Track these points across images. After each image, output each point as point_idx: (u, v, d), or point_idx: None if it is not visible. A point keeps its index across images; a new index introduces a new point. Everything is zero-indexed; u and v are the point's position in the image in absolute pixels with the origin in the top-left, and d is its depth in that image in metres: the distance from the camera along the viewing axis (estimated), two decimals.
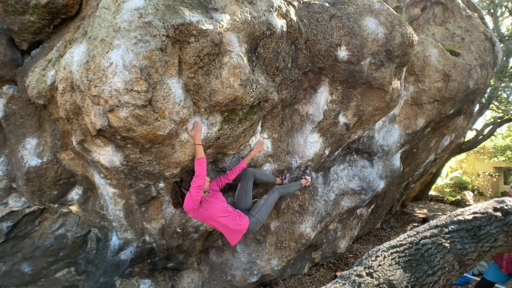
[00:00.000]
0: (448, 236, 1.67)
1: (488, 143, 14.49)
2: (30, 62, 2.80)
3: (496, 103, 9.56)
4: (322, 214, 4.15)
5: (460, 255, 1.63)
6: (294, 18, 2.84)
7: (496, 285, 3.18)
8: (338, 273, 4.58)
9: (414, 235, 1.71)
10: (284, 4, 2.76)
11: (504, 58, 8.18)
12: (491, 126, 9.85)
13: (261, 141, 3.14)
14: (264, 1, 2.57)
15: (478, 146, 10.99)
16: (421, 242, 1.63)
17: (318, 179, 4.17)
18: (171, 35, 2.03)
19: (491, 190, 14.62)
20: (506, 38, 8.36)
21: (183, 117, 2.28)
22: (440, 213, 8.35)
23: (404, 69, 3.75)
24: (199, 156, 2.46)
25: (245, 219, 2.77)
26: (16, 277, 3.11)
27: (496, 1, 8.74)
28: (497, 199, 1.93)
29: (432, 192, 12.02)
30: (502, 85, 8.54)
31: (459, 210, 1.90)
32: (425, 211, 8.90)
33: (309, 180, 3.44)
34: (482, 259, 1.76)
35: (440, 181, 14.44)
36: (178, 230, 3.26)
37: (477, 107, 8.24)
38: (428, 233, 1.69)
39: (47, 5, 2.57)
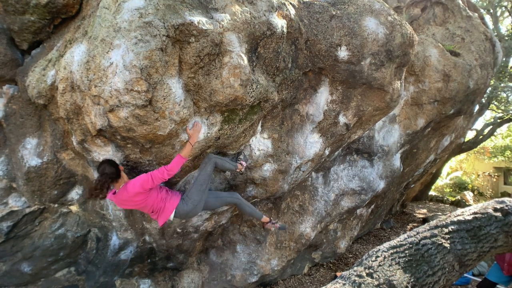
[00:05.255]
0: (448, 236, 1.67)
1: (488, 143, 14.49)
2: (30, 62, 2.79)
3: (496, 103, 9.57)
4: (322, 214, 4.16)
5: (460, 255, 1.63)
6: (295, 18, 2.84)
7: (498, 286, 3.17)
8: (338, 273, 4.58)
9: (414, 235, 1.71)
10: (285, 4, 2.76)
11: (504, 58, 8.18)
12: (491, 126, 9.86)
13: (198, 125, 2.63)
14: (264, 1, 2.57)
15: (478, 146, 11.00)
16: (421, 242, 1.64)
17: (318, 179, 4.17)
18: (172, 35, 2.03)
19: (491, 190, 14.63)
20: (506, 38, 8.35)
21: (183, 117, 2.28)
22: (440, 213, 8.35)
23: (404, 69, 3.75)
24: (184, 155, 2.39)
25: (177, 198, 2.60)
26: (16, 277, 3.11)
27: (496, 1, 8.74)
28: (497, 199, 1.93)
29: (432, 192, 12.03)
30: (502, 85, 8.54)
31: (459, 211, 1.90)
32: (425, 211, 8.90)
33: (244, 166, 3.05)
34: (482, 260, 1.77)
35: (440, 181, 14.45)
36: (178, 230, 3.26)
37: (477, 107, 8.24)
38: (428, 233, 1.69)
39: (47, 4, 2.57)
